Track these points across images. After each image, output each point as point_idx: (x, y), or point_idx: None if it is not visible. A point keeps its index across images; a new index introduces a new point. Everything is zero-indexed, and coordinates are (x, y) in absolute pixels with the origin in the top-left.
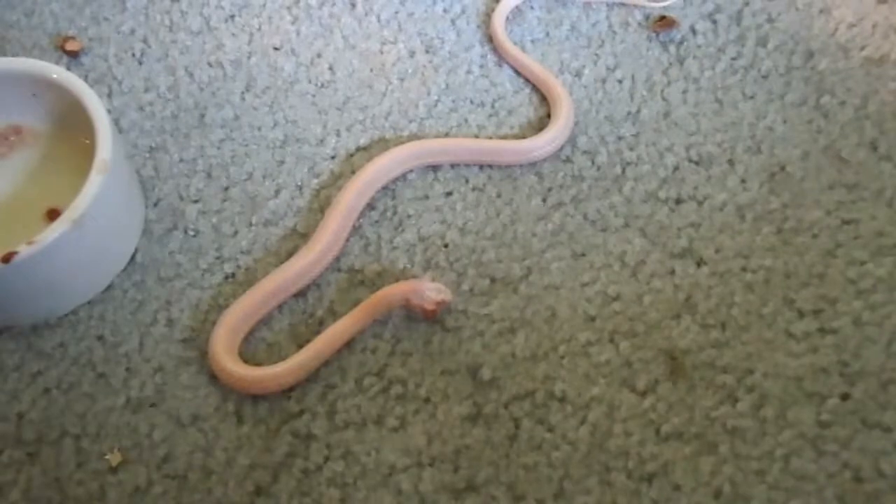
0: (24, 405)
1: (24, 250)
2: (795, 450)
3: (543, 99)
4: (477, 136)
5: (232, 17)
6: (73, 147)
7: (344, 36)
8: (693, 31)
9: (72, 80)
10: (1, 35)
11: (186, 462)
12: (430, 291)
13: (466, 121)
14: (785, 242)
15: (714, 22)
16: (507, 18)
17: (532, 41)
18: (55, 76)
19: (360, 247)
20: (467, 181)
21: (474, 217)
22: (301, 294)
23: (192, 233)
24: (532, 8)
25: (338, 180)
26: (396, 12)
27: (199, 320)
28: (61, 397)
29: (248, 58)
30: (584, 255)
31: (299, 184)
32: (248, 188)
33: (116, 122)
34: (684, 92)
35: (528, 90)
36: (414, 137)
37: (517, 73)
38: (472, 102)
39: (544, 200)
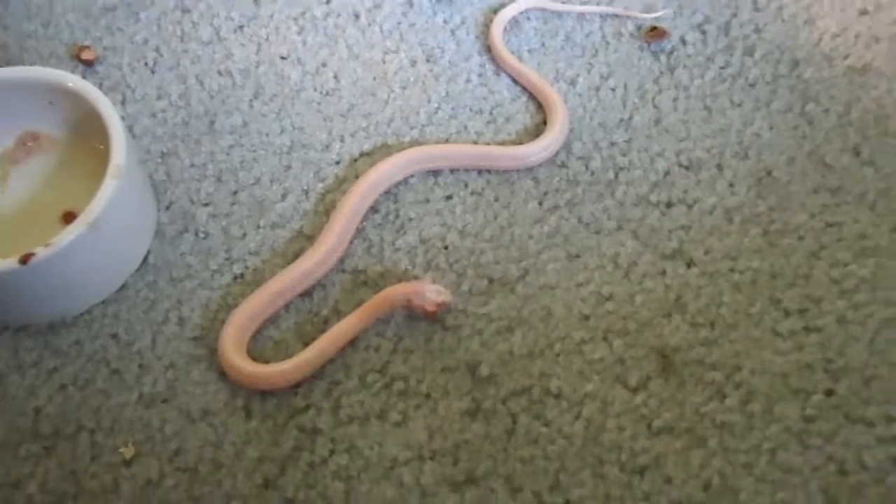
0: (42, 400)
1: (41, 252)
2: (781, 444)
3: (539, 106)
4: (476, 142)
5: (241, 27)
6: (89, 152)
7: (348, 46)
8: (683, 41)
9: (87, 88)
10: (19, 45)
11: (197, 455)
12: (431, 293)
13: (466, 127)
14: (771, 244)
15: (703, 32)
16: (505, 29)
17: (528, 51)
18: (71, 84)
19: (363, 249)
20: (466, 185)
21: (473, 220)
22: (307, 294)
23: (202, 235)
24: (528, 19)
25: (342, 184)
26: (398, 23)
27: (209, 319)
28: (77, 393)
29: (257, 67)
30: (578, 256)
31: (305, 188)
32: (256, 192)
33: (130, 129)
34: (675, 100)
35: (524, 98)
36: (415, 143)
37: (514, 81)
38: (470, 110)
39: (540, 204)
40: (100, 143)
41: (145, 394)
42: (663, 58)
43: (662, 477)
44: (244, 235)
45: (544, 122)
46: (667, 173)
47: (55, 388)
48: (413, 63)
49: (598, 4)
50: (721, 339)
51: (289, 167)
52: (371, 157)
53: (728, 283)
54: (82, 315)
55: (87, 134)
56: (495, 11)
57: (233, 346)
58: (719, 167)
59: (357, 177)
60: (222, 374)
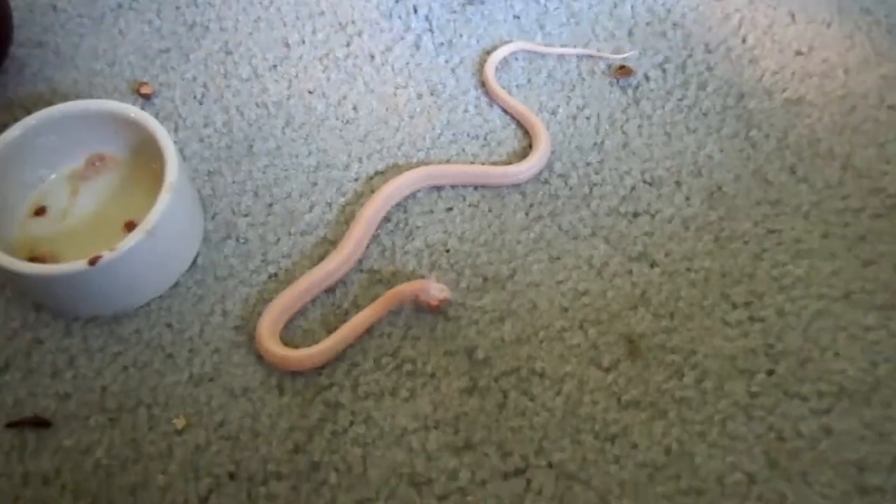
0: (107, 380)
1: (107, 255)
2: (730, 415)
3: (526, 133)
4: (472, 163)
5: (274, 66)
6: (146, 171)
7: (365, 82)
8: (647, 77)
9: (145, 117)
10: (88, 81)
11: (238, 426)
12: (435, 290)
13: (464, 150)
14: (721, 248)
15: (664, 70)
16: (497, 68)
17: (517, 86)
18: (132, 115)
19: (378, 252)
20: (465, 199)
21: (470, 228)
22: (330, 290)
23: (242, 241)
24: (517, 59)
25: (360, 198)
26: (407, 63)
27: (248, 311)
28: (137, 373)
29: (288, 100)
30: (559, 258)
31: (329, 201)
32: (287, 205)
33: (181, 152)
34: (640, 127)
35: (513, 126)
36: (421, 164)
37: (504, 111)
38: (468, 135)
39: (527, 214)
40: (156, 163)
41: (194, 374)
42: (630, 92)
43: (630, 443)
44: (278, 241)
45: (530, 146)
46: (633, 188)
47: (118, 369)
48: (419, 96)
49: (575, 48)
50: (679, 327)
51: (315, 184)
52: (384, 175)
53: (685, 281)
54: (141, 308)
55: (146, 156)
56: (488, 53)
57: (268, 333)
58: (677, 183)
59: (373, 192)
60: (259, 358)
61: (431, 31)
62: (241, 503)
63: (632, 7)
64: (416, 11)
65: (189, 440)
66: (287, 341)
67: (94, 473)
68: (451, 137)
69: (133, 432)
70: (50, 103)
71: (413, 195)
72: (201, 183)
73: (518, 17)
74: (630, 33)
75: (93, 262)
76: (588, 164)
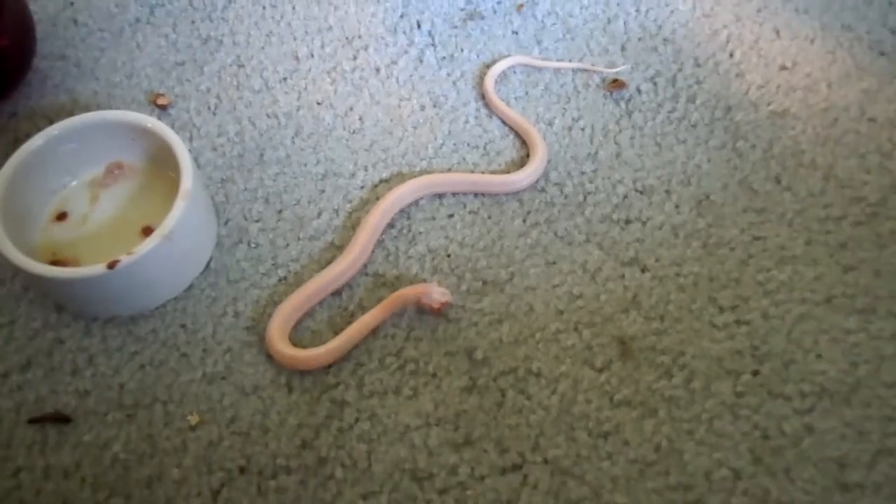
0: (125, 377)
1: (125, 259)
2: (717, 414)
3: (523, 143)
4: (472, 172)
5: (285, 79)
6: (163, 179)
7: (371, 94)
8: (639, 90)
9: (162, 127)
10: (107, 92)
11: (249, 422)
12: (437, 294)
13: (464, 159)
14: (709, 254)
15: (655, 84)
16: (496, 80)
17: (515, 98)
18: (149, 125)
19: (382, 257)
20: (465, 206)
21: (470, 234)
22: (337, 293)
23: (253, 245)
24: (515, 73)
25: (365, 205)
26: (411, 76)
27: (259, 313)
28: (153, 371)
29: (297, 110)
30: (554, 263)
31: (336, 208)
32: (296, 211)
33: (196, 160)
34: (632, 138)
35: (511, 136)
36: (424, 172)
37: (503, 122)
38: (468, 145)
39: (524, 221)
40: (172, 171)
41: (207, 372)
42: (623, 104)
43: (622, 441)
44: (287, 246)
45: (527, 156)
46: (625, 197)
47: (136, 367)
48: (422, 108)
49: (570, 62)
50: (669, 329)
51: (323, 191)
52: (389, 183)
53: (674, 285)
54: (157, 309)
55: (162, 164)
56: (488, 67)
57: (278, 334)
58: (667, 192)
59: (378, 199)
60: (269, 357)
61: (434, 45)
62: (251, 496)
63: (624, 23)
64: (419, 27)
65: (202, 436)
66: (296, 342)
67: (112, 467)
68: (453, 147)
69: (149, 428)
70: (71, 113)
71: (416, 202)
72: (215, 190)
73: (516, 33)
74: (623, 48)
75: (112, 265)
76: (583, 173)
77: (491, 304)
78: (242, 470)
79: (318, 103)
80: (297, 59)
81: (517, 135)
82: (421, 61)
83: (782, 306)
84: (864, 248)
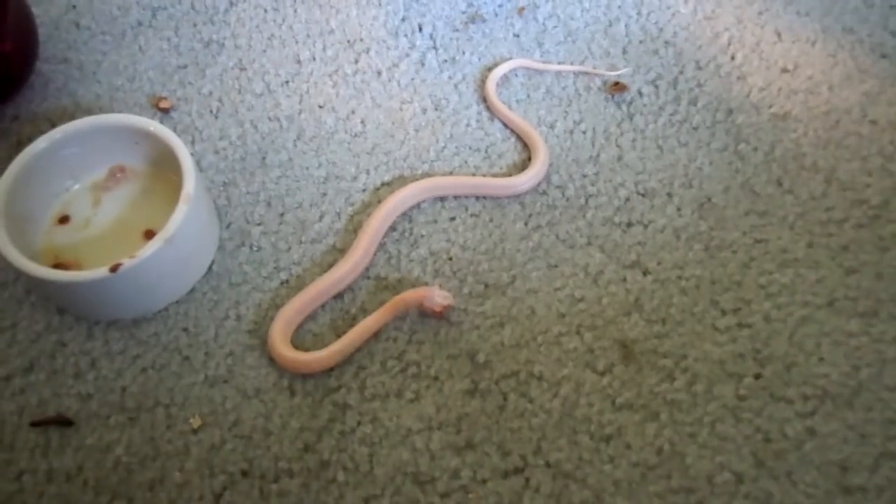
0: (127, 381)
1: (127, 262)
2: (719, 417)
3: (525, 146)
4: (474, 175)
5: (287, 82)
6: (165, 182)
7: (372, 97)
8: (640, 93)
9: (164, 131)
10: (110, 96)
11: (251, 425)
12: (439, 297)
13: (466, 162)
14: (711, 257)
15: (656, 87)
16: (497, 84)
17: (516, 101)
18: (152, 128)
19: (384, 260)
20: (467, 209)
21: (472, 237)
22: (339, 296)
23: (256, 248)
24: (516, 75)
25: (367, 208)
26: (412, 79)
27: (261, 316)
28: (155, 375)
29: (299, 114)
30: (556, 266)
31: (338, 211)
32: (298, 214)
33: (198, 163)
34: (633, 140)
35: (513, 139)
36: (426, 175)
37: (505, 125)
38: (470, 148)
39: (526, 224)
40: (174, 174)
41: (209, 376)
42: (624, 107)
43: (624, 444)
44: (289, 249)
45: (529, 159)
46: (627, 199)
47: (138, 370)
48: (424, 111)
49: (572, 65)
50: (671, 332)
51: (325, 194)
52: (391, 186)
53: (676, 288)
54: (160, 312)
55: (164, 167)
56: (490, 70)
57: (280, 337)
58: (669, 195)
59: (379, 202)
60: (271, 361)
61: (435, 48)
62: (253, 500)
63: (626, 26)
64: (420, 30)
65: (204, 439)
66: (298, 345)
67: (115, 470)
68: (454, 150)
69: (151, 431)
70: (73, 117)
71: (418, 205)
72: (217, 193)
73: (518, 36)
74: (624, 51)
75: (114, 269)
76: (584, 176)
77: (493, 308)
78: (244, 473)
79: (320, 106)
80: (298, 62)
81: (519, 138)
82: (422, 64)
83: (784, 309)
84: (866, 250)
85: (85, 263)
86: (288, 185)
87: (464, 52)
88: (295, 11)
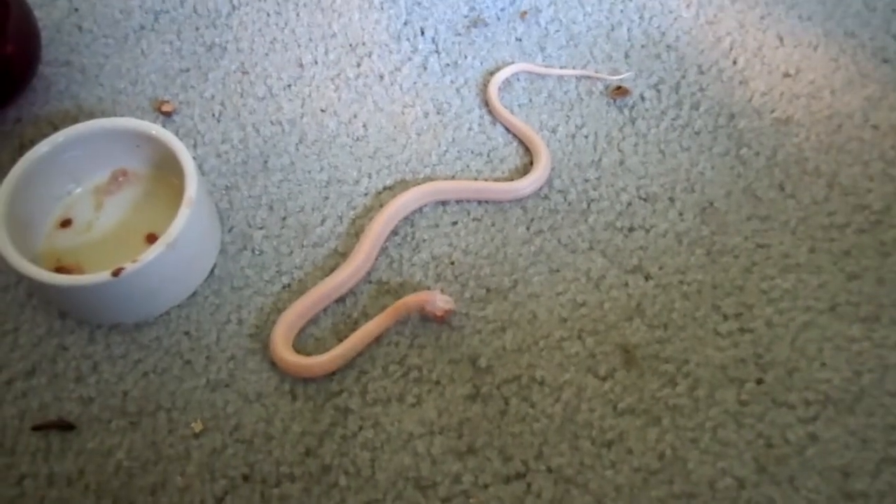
0: (128, 385)
1: (129, 266)
2: (721, 422)
3: (527, 150)
4: (476, 179)
5: (289, 86)
6: (167, 186)
7: (374, 101)
8: (642, 97)
9: (166, 134)
10: (112, 99)
11: (252, 430)
12: (441, 301)
13: (468, 167)
14: (713, 261)
15: (658, 91)
16: (499, 88)
17: (518, 105)
18: (154, 132)
19: (386, 264)
20: (469, 213)
21: (474, 241)
22: (341, 300)
23: (257, 252)
24: (518, 80)
25: (369, 212)
26: (414, 83)
27: (263, 320)
28: (156, 379)
29: (301, 118)
30: (558, 271)
31: (340, 215)
32: (300, 218)
33: (200, 167)
34: (635, 145)
35: (515, 143)
36: (428, 179)
37: (507, 130)
38: (472, 152)
39: (528, 228)
40: (176, 178)
41: (211, 380)
42: (626, 111)
43: (625, 449)
44: (291, 253)
45: (531, 163)
46: (629, 204)
47: (139, 375)
48: (426, 115)
49: (574, 69)
50: (673, 337)
51: (327, 198)
52: (392, 190)
53: (678, 293)
54: (161, 316)
55: (166, 171)
56: (492, 74)
57: (282, 341)
58: (671, 199)
59: (381, 206)
60: (273, 365)
61: (437, 52)
62: None
63: (628, 30)
64: (423, 34)
65: (206, 443)
66: (299, 349)
67: (116, 474)
68: (456, 154)
69: (153, 435)
70: (76, 120)
71: (420, 210)
72: (219, 197)
73: (520, 40)
74: (626, 55)
75: (116, 273)
76: (586, 180)
77: (494, 312)
78: (246, 478)
79: (322, 110)
80: (301, 66)
81: (521, 142)
82: (425, 68)
83: (786, 314)
84: (868, 255)
85: (87, 267)
86: (290, 188)
87: (466, 57)
88: (297, 15)
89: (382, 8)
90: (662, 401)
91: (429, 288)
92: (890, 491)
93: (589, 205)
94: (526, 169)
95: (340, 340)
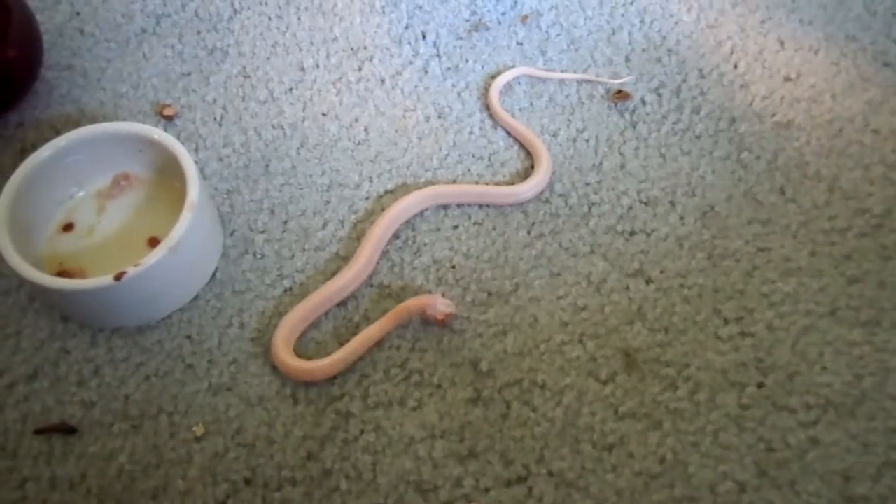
0: (130, 388)
1: (131, 270)
2: (722, 426)
3: (528, 154)
4: (477, 183)
5: (290, 90)
6: (169, 190)
7: (376, 105)
8: (643, 101)
9: (168, 138)
10: (114, 103)
11: (254, 433)
12: (441, 305)
13: (469, 170)
14: (714, 265)
15: (659, 95)
16: (500, 92)
17: (519, 109)
18: (156, 136)
19: (387, 268)
20: (470, 217)
21: (475, 245)
22: (342, 304)
23: (259, 256)
24: (519, 84)
25: (371, 216)
26: (416, 87)
27: (265, 324)
28: (158, 382)
29: (303, 121)
30: (559, 274)
31: (341, 219)
32: (302, 222)
33: (202, 171)
34: (636, 149)
35: (516, 147)
36: (429, 183)
37: (508, 133)
38: (473, 156)
39: (529, 232)
40: (178, 182)
41: (213, 383)
42: (627, 115)
43: (626, 453)
44: (292, 257)
45: (532, 167)
46: (630, 208)
47: (141, 378)
48: (427, 119)
49: (575, 73)
50: (674, 341)
51: (328, 202)
52: (394, 194)
53: (679, 297)
54: (163, 320)
55: (168, 175)
56: (493, 78)
57: (283, 345)
58: (672, 203)
59: (383, 210)
60: (274, 369)
61: (439, 56)
62: None
63: (629, 34)
64: (424, 38)
65: (208, 447)
66: (301, 353)
67: (118, 478)
68: (458, 158)
69: (155, 439)
70: (78, 124)
71: (421, 213)
72: (220, 201)
73: (521, 44)
74: (627, 59)
75: (118, 277)
76: (587, 184)
77: (496, 316)
78: (248, 481)
79: (324, 114)
80: (302, 69)
81: (522, 146)
82: (426, 72)
83: (787, 318)
84: (869, 259)
85: (89, 271)
86: (291, 192)
87: (467, 61)
88: (299, 19)
89: (384, 12)
90: (663, 405)
91: (430, 292)
92: (891, 495)
93: (590, 208)
94: (527, 173)
95: (342, 344)
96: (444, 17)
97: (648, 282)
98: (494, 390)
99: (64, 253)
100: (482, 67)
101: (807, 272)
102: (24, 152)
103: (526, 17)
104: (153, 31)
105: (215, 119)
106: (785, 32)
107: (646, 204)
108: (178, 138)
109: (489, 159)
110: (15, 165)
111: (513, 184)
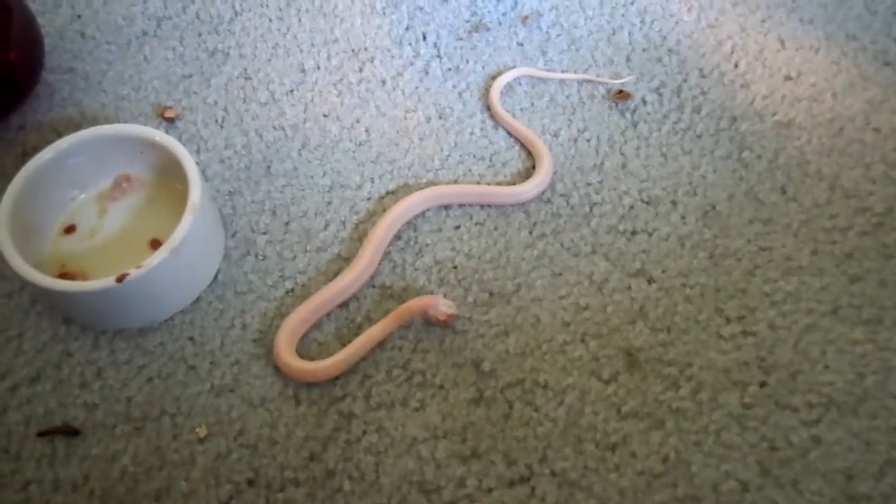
0: (133, 390)
1: (133, 272)
2: (724, 425)
3: (529, 154)
4: (478, 183)
5: (291, 91)
6: (171, 192)
7: (377, 106)
8: (644, 101)
9: (169, 140)
10: (115, 105)
11: (256, 434)
12: (443, 306)
13: (470, 171)
14: (715, 265)
15: (660, 94)
16: (501, 92)
17: (520, 109)
18: (157, 138)
19: (389, 269)
20: (471, 217)
21: (477, 245)
22: (344, 305)
23: (261, 257)
24: (520, 84)
25: (372, 217)
26: (417, 88)
27: (266, 325)
28: (161, 384)
29: (304, 123)
30: (561, 274)
31: (343, 220)
32: (303, 223)
33: (203, 173)
34: (637, 148)
35: (517, 147)
36: (430, 184)
37: (509, 134)
38: (474, 157)
39: (530, 232)
40: (180, 184)
41: (215, 385)
42: (628, 115)
43: (629, 452)
44: (294, 258)
45: (533, 167)
46: (631, 207)
47: (144, 380)
48: (428, 119)
49: (575, 73)
50: (676, 340)
51: (330, 203)
52: (395, 194)
53: (681, 296)
54: (165, 322)
55: (170, 177)
56: (493, 78)
57: (285, 346)
58: (673, 203)
59: (384, 211)
60: (277, 370)
61: (440, 57)
62: None
63: (629, 34)
64: (425, 39)
65: (210, 448)
66: (303, 354)
67: (121, 480)
68: (459, 158)
69: (157, 440)
70: (79, 126)
71: (422, 214)
72: (222, 202)
73: (522, 44)
74: (628, 59)
75: (120, 279)
76: (588, 184)
77: (498, 316)
78: (250, 482)
79: (325, 115)
80: (303, 71)
81: (523, 146)
82: (427, 73)
83: (789, 317)
84: (870, 258)
85: (91, 273)
86: (293, 193)
87: (468, 61)
88: (299, 21)
89: (384, 13)
90: (666, 404)
91: (432, 292)
92: (894, 493)
93: (591, 208)
94: (528, 173)
95: (344, 345)
96: (444, 17)
97: (650, 281)
98: (497, 390)
99: (66, 255)
100: (483, 68)
101: (808, 271)
102: (26, 155)
103: (526, 17)
104: (154, 33)
105: (216, 121)
106: (785, 32)
107: (647, 203)
108: (180, 140)
109: (490, 160)
110: (16, 168)
111: (514, 184)
